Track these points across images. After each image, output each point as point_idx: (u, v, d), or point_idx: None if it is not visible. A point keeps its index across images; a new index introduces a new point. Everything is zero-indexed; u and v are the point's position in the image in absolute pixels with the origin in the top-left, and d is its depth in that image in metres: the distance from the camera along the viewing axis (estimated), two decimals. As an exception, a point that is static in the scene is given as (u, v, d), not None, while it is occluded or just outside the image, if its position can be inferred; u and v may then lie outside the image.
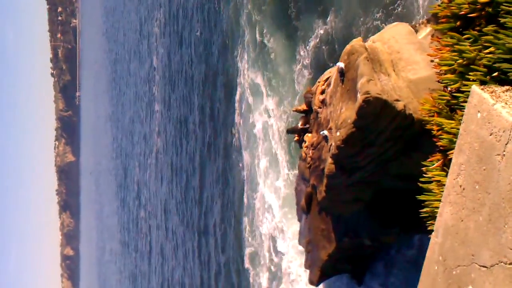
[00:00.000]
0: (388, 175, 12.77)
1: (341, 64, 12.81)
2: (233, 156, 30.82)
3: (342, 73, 12.84)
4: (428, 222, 7.66)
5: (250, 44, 28.66)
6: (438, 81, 8.02)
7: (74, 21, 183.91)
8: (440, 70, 7.71)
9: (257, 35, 27.59)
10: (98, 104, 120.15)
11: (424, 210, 7.73)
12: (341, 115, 12.38)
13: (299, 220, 18.25)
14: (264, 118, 27.12)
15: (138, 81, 65.38)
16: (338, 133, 12.39)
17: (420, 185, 7.99)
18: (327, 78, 14.60)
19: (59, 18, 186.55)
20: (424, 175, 8.02)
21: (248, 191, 28.27)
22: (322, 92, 14.54)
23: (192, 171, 39.50)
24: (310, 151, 15.11)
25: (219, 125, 33.52)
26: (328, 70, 15.18)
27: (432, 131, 7.88)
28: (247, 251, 28.05)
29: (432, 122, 7.92)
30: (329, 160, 13.09)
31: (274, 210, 25.46)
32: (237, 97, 30.40)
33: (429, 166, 7.99)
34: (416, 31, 12.67)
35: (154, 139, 54.56)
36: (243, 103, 29.55)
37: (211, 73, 35.48)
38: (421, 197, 7.80)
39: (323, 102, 14.38)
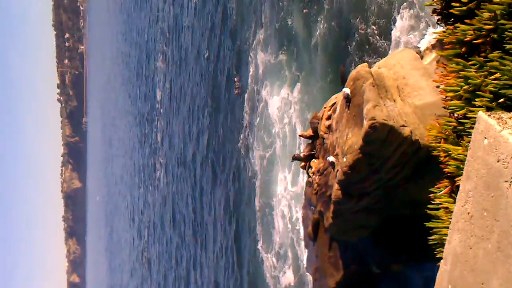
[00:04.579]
0: (395, 201, 12.68)
1: (347, 90, 12.83)
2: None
3: (348, 98, 12.85)
4: (436, 250, 7.56)
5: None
6: (444, 107, 7.99)
7: (81, 47, 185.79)
8: (446, 96, 7.69)
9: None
10: (105, 130, 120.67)
11: (433, 237, 7.64)
12: (347, 141, 12.36)
13: (306, 247, 18.10)
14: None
15: (143, 103, 65.80)
16: (344, 159, 12.35)
17: (428, 212, 7.91)
18: (333, 104, 14.60)
19: (67, 44, 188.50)
20: (432, 202, 7.95)
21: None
22: (328, 118, 14.54)
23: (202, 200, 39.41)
24: (317, 177, 15.05)
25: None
26: (334, 96, 15.20)
27: (439, 158, 7.83)
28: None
29: (439, 148, 7.87)
30: (336, 186, 13.02)
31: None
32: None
33: (437, 192, 7.92)
34: (421, 57, 12.71)
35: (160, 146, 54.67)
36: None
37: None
38: (429, 224, 7.71)
39: (329, 128, 14.37)
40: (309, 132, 16.70)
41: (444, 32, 7.99)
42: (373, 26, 17.83)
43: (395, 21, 16.68)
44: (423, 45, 14.51)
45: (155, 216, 57.54)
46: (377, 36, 17.58)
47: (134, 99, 74.40)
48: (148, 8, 65.64)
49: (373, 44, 17.80)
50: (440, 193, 7.85)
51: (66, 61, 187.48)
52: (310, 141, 16.85)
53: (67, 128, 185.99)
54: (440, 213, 7.70)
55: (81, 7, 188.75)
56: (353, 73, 12.81)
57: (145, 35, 67.41)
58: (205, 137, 38.86)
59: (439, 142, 7.95)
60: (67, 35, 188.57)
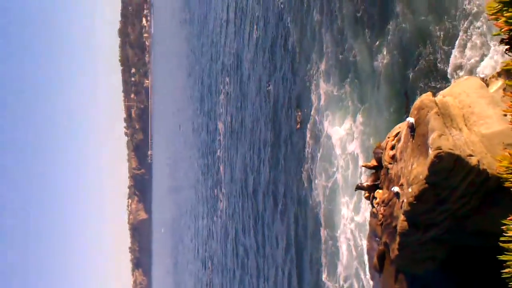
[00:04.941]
0: (464, 232, 12.33)
1: (411, 119, 12.72)
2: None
3: (412, 128, 12.72)
4: (510, 284, 7.34)
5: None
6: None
7: (147, 81, 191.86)
8: (516, 126, 7.55)
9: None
10: (170, 162, 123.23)
11: (506, 270, 7.42)
12: (413, 171, 12.19)
13: (372, 278, 17.77)
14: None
15: (205, 135, 67.03)
16: (410, 190, 12.17)
17: (501, 244, 7.69)
18: (397, 134, 14.47)
19: (133, 79, 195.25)
20: (505, 234, 7.73)
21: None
22: (392, 148, 14.40)
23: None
24: (382, 208, 14.85)
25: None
26: (398, 126, 15.06)
27: (511, 189, 7.65)
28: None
29: (511, 179, 7.70)
30: (402, 217, 12.82)
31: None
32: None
33: (510, 224, 7.71)
34: (487, 85, 12.47)
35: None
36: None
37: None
38: (503, 257, 7.50)
39: (393, 157, 14.22)
40: (373, 162, 16.55)
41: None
42: (437, 54, 17.64)
43: (460, 49, 16.45)
44: (489, 73, 14.24)
45: (219, 248, 57.92)
46: (441, 65, 17.37)
47: (198, 132, 75.89)
48: (210, 43, 67.33)
49: (437, 72, 17.59)
50: (513, 224, 7.65)
51: (132, 95, 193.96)
52: (373, 171, 16.70)
53: (133, 161, 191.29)
54: (513, 245, 7.49)
55: (146, 43, 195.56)
56: (417, 102, 12.70)
57: (207, 69, 69.04)
58: (266, 169, 39.09)
59: (511, 173, 7.79)
60: (133, 70, 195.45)
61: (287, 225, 33.63)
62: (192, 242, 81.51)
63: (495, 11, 8.37)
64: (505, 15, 8.17)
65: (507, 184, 7.82)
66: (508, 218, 7.89)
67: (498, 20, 8.43)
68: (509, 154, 8.08)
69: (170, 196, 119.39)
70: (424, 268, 13.69)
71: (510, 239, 7.63)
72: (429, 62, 18.10)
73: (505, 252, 7.53)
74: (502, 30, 8.40)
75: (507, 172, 7.95)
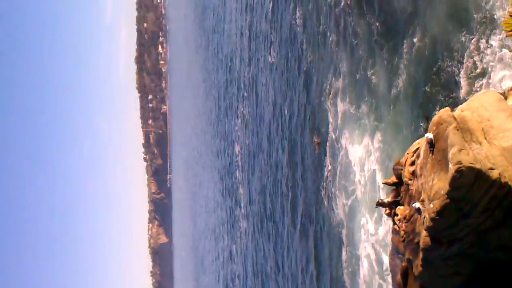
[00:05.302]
0: (488, 247, 12.24)
1: (430, 135, 12.74)
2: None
3: (431, 143, 12.74)
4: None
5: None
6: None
7: (164, 107, 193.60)
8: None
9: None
10: (189, 185, 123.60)
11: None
12: (434, 187, 12.18)
13: (396, 296, 17.61)
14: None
15: (224, 158, 67.28)
16: (431, 205, 12.14)
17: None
18: (416, 149, 14.48)
19: (150, 105, 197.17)
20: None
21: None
22: (412, 164, 14.40)
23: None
24: (403, 224, 14.81)
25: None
26: (417, 141, 15.08)
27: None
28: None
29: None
30: (424, 233, 12.77)
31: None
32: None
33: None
34: (505, 98, 12.48)
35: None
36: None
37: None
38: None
39: (413, 173, 14.21)
40: (393, 179, 16.54)
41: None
42: (454, 69, 17.67)
43: (477, 63, 16.49)
44: (508, 86, 14.24)
45: (239, 270, 57.74)
46: (459, 79, 17.39)
47: (216, 155, 76.23)
48: (225, 67, 67.95)
49: (455, 87, 17.61)
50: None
51: (150, 121, 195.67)
52: (393, 188, 16.67)
53: (152, 186, 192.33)
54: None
55: (162, 69, 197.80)
56: (435, 118, 12.73)
57: (223, 92, 69.59)
58: (284, 188, 39.11)
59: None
60: (150, 97, 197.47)
61: (307, 245, 33.51)
62: (212, 264, 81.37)
63: None
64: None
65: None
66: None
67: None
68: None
69: (190, 219, 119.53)
70: (449, 284, 13.57)
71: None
72: (446, 78, 18.13)
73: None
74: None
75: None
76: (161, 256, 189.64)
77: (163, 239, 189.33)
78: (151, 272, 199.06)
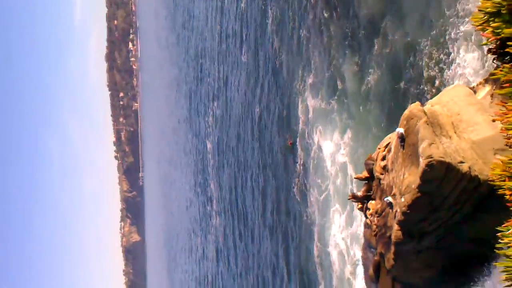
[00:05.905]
0: (459, 240, 12.37)
1: (400, 130, 12.80)
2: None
3: (402, 138, 12.80)
4: (508, 288, 7.37)
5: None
6: (507, 145, 7.93)
7: (136, 104, 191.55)
8: (507, 134, 7.63)
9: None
10: (161, 183, 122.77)
11: (503, 276, 7.46)
12: (405, 181, 12.25)
13: (369, 290, 17.73)
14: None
15: (195, 154, 66.98)
16: (402, 199, 12.22)
17: (497, 251, 7.75)
18: (387, 144, 14.55)
19: (121, 102, 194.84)
20: (500, 241, 7.79)
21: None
22: (383, 159, 14.47)
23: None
24: (375, 218, 14.88)
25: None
26: (388, 136, 15.15)
27: (505, 196, 7.71)
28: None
29: (504, 186, 7.76)
30: (396, 226, 12.85)
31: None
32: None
33: (505, 231, 7.77)
34: (475, 92, 12.60)
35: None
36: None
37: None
38: (499, 264, 7.55)
39: (384, 168, 14.28)
40: (365, 174, 16.61)
41: (501, 70, 7.99)
42: (424, 66, 17.82)
43: (447, 59, 16.64)
44: (476, 80, 14.39)
45: (213, 267, 57.58)
46: (429, 75, 17.54)
47: (188, 152, 75.80)
48: (197, 64, 67.52)
49: (425, 83, 17.75)
50: (508, 231, 7.70)
51: (121, 119, 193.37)
52: (365, 182, 16.75)
53: (124, 184, 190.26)
54: (509, 252, 7.53)
55: (133, 67, 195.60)
56: (406, 112, 12.79)
57: (194, 90, 69.15)
58: (255, 184, 39.10)
59: (504, 181, 7.84)
60: (121, 94, 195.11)
61: (278, 239, 33.57)
62: (186, 263, 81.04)
63: (481, 22, 8.49)
64: (491, 25, 8.28)
65: (500, 192, 7.88)
66: (503, 225, 7.94)
67: (484, 31, 8.55)
68: (502, 162, 8.14)
69: (163, 217, 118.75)
70: (421, 276, 13.70)
71: (505, 245, 7.68)
72: (416, 74, 18.28)
73: (503, 258, 7.58)
74: (489, 40, 8.51)
75: (500, 179, 8.01)
76: (134, 255, 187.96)
77: (136, 237, 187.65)
78: (123, 270, 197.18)
